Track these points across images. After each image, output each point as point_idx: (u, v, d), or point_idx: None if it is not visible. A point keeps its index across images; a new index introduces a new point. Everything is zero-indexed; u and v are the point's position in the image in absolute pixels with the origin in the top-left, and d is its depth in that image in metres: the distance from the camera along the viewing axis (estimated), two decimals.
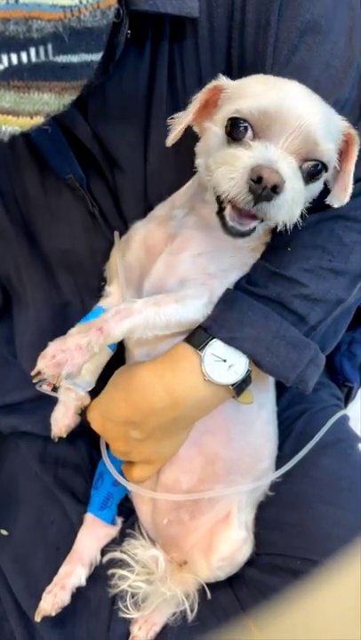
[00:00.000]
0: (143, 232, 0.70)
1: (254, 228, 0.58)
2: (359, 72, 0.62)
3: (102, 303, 0.75)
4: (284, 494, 0.77)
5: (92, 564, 0.77)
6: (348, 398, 0.99)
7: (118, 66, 0.61)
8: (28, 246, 0.76)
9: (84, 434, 0.76)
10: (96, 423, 0.68)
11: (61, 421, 0.74)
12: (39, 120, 0.48)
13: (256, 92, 0.56)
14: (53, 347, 0.60)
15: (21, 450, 0.88)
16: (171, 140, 0.61)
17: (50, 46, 0.45)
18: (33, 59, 0.45)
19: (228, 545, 0.72)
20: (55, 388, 0.74)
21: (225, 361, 0.63)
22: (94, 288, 0.77)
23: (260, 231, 0.60)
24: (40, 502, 0.83)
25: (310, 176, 0.58)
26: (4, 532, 0.82)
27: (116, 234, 0.73)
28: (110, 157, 0.69)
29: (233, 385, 0.63)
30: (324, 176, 0.60)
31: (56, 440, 0.76)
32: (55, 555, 0.78)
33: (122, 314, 0.62)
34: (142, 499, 0.78)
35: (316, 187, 0.61)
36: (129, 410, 0.64)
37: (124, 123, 0.66)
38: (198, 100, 0.59)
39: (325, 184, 0.63)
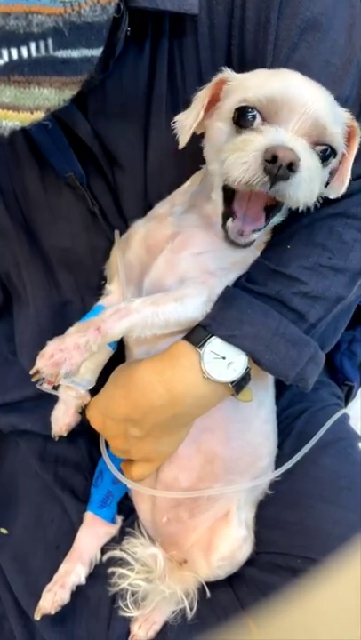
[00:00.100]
0: (144, 231, 0.70)
1: (253, 240, 0.59)
2: (359, 69, 0.62)
3: (103, 301, 0.75)
4: (284, 493, 0.77)
5: (91, 562, 0.77)
6: (348, 397, 0.99)
7: (118, 63, 0.61)
8: (28, 244, 0.76)
9: (84, 432, 0.76)
10: (95, 421, 0.68)
11: (62, 420, 0.75)
12: (40, 115, 0.48)
13: (260, 82, 0.56)
14: (52, 346, 0.60)
15: (21, 448, 0.88)
16: (183, 142, 0.60)
17: (50, 41, 0.45)
18: (33, 53, 0.45)
19: (228, 544, 0.72)
20: (56, 387, 0.74)
21: (224, 358, 0.62)
22: (94, 286, 0.77)
23: (261, 238, 0.60)
24: (40, 500, 0.83)
25: (320, 160, 0.57)
26: (4, 531, 0.82)
27: (117, 232, 0.73)
28: (110, 155, 0.69)
29: (232, 382, 0.63)
30: (333, 162, 0.59)
31: (56, 439, 0.76)
32: (55, 553, 0.78)
33: (120, 313, 0.61)
34: (142, 497, 0.78)
35: (325, 173, 0.60)
36: (128, 407, 0.64)
37: (124, 121, 0.66)
38: (206, 95, 0.59)
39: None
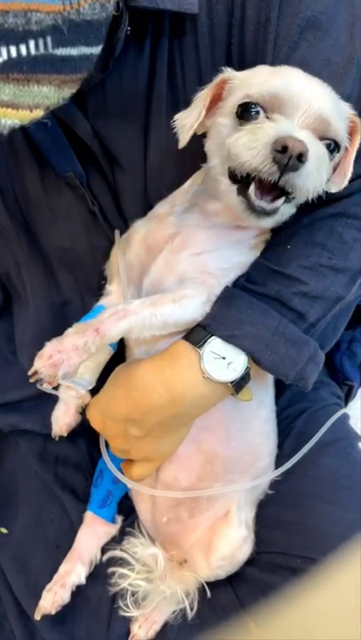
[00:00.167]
0: (144, 230, 0.70)
1: (278, 209, 0.57)
2: (360, 68, 0.62)
3: (102, 302, 0.75)
4: (284, 493, 0.77)
5: (91, 562, 0.77)
6: (348, 397, 0.99)
7: (118, 63, 0.61)
8: (28, 244, 0.76)
9: (84, 432, 0.76)
10: (95, 421, 0.68)
11: (62, 420, 0.75)
12: (39, 113, 0.48)
13: (263, 78, 0.56)
14: (50, 347, 0.60)
15: (21, 448, 0.88)
16: (183, 141, 0.60)
17: (49, 39, 0.45)
18: (32, 51, 0.45)
19: (228, 544, 0.72)
20: (56, 387, 0.74)
21: (224, 358, 0.62)
22: (94, 286, 0.77)
23: (286, 215, 0.59)
24: (40, 500, 0.83)
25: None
26: (4, 531, 0.82)
27: (117, 232, 0.73)
28: (110, 155, 0.69)
29: (232, 382, 0.63)
30: (336, 157, 0.59)
31: (57, 439, 0.76)
32: (55, 553, 0.78)
33: (118, 314, 0.61)
34: (142, 497, 0.78)
35: (330, 167, 0.60)
36: (128, 407, 0.64)
37: (123, 120, 0.66)
38: (207, 94, 0.59)
39: None
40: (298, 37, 0.60)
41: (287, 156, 0.51)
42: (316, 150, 0.54)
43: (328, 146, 0.57)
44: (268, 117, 0.55)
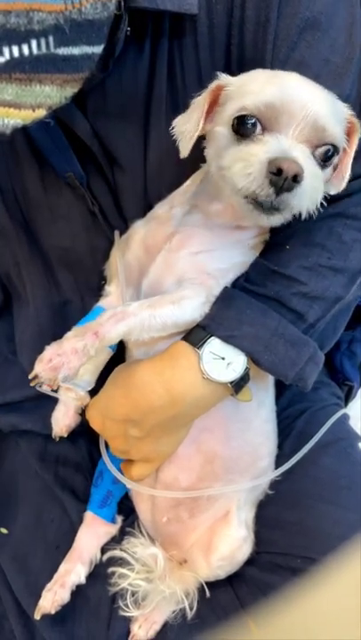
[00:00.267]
0: (143, 231, 0.70)
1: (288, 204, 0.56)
2: (359, 68, 0.62)
3: (102, 302, 0.75)
4: (284, 493, 0.77)
5: (91, 562, 0.77)
6: (348, 397, 0.99)
7: (118, 63, 0.61)
8: (28, 244, 0.76)
9: (84, 432, 0.76)
10: (95, 422, 0.68)
11: (62, 421, 0.75)
12: (41, 113, 0.48)
13: (258, 87, 0.56)
14: (50, 350, 0.60)
15: (21, 448, 0.88)
16: (185, 151, 0.60)
17: (51, 38, 0.45)
18: (34, 51, 0.45)
19: (228, 544, 0.72)
20: (55, 388, 0.74)
21: (223, 359, 0.62)
22: (94, 286, 0.77)
23: (295, 210, 0.58)
24: (40, 500, 0.83)
25: (323, 161, 0.57)
26: (4, 531, 0.82)
27: (117, 233, 0.73)
28: (110, 155, 0.69)
29: (231, 383, 0.63)
30: (335, 159, 0.59)
31: (57, 440, 0.76)
32: (55, 553, 0.78)
33: (117, 317, 0.61)
34: (142, 497, 0.78)
35: (329, 171, 0.60)
36: (128, 408, 0.64)
37: (123, 121, 0.66)
38: (204, 101, 0.59)
39: None
40: (297, 38, 0.60)
41: (282, 178, 0.52)
42: (311, 168, 0.54)
43: (327, 151, 0.57)
44: (264, 129, 0.55)
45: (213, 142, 0.60)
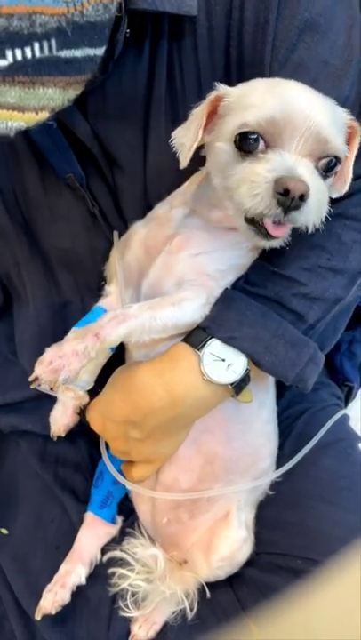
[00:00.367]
0: (144, 232, 0.70)
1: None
2: (359, 70, 0.62)
3: (102, 303, 0.74)
4: (284, 494, 0.77)
5: (92, 562, 0.77)
6: (348, 398, 0.99)
7: (117, 65, 0.61)
8: (28, 244, 0.76)
9: (84, 433, 0.76)
10: (96, 423, 0.68)
11: (60, 421, 0.74)
12: (44, 115, 0.48)
13: (258, 100, 0.55)
14: (50, 352, 0.60)
15: (21, 448, 0.89)
16: (184, 162, 0.60)
17: (53, 41, 0.45)
18: (37, 54, 0.45)
19: (228, 545, 0.72)
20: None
21: (224, 360, 0.62)
22: (94, 287, 0.77)
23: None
24: (40, 501, 0.83)
25: (326, 171, 0.57)
26: (4, 531, 0.82)
27: (116, 234, 0.73)
28: (110, 157, 0.69)
29: (232, 384, 0.63)
30: (338, 168, 0.59)
31: (55, 439, 0.76)
32: (55, 553, 0.78)
33: (118, 319, 0.61)
34: (142, 498, 0.78)
35: (331, 180, 0.60)
36: (128, 409, 0.64)
37: (123, 122, 0.66)
38: (203, 113, 0.58)
39: None
40: (296, 39, 0.60)
41: (290, 198, 0.52)
42: (316, 184, 0.54)
43: (329, 162, 0.57)
44: (267, 145, 0.55)
45: (214, 157, 0.60)
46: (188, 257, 0.66)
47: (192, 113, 0.60)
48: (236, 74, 0.62)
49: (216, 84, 0.59)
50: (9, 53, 0.44)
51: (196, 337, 0.64)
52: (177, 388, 0.63)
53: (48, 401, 0.77)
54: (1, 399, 0.87)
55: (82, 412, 0.73)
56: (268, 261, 0.66)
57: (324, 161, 0.57)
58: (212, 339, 0.63)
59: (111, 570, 0.77)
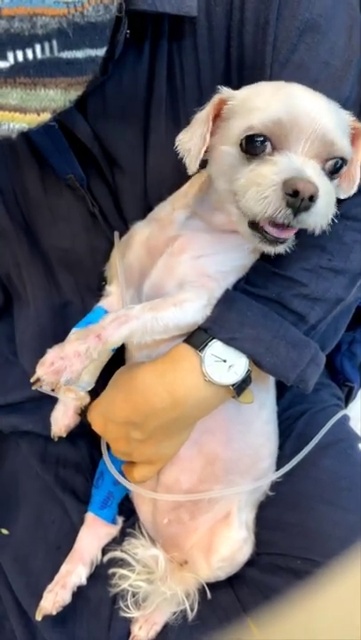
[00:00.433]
0: (146, 232, 0.70)
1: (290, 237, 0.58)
2: (359, 70, 0.62)
3: (103, 303, 0.74)
4: (284, 494, 0.77)
5: (92, 563, 0.77)
6: (348, 398, 0.99)
7: (117, 66, 0.61)
8: (29, 245, 0.76)
9: (84, 433, 0.76)
10: (97, 424, 0.68)
11: (61, 421, 0.75)
12: (46, 116, 0.49)
13: (263, 103, 0.55)
14: (52, 354, 0.60)
15: (22, 449, 0.88)
16: (192, 168, 0.59)
17: (55, 42, 0.45)
18: (38, 55, 0.45)
19: (229, 545, 0.73)
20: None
21: (225, 361, 0.62)
22: (94, 287, 0.77)
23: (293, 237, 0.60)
24: (41, 501, 0.83)
25: (332, 173, 0.57)
26: (5, 532, 0.82)
27: (116, 234, 0.73)
28: (110, 157, 0.69)
29: (233, 385, 0.63)
30: (343, 170, 0.59)
31: (56, 439, 0.76)
32: (56, 554, 0.78)
33: (120, 320, 0.61)
34: (143, 499, 0.78)
35: (337, 181, 0.60)
36: (130, 410, 0.64)
37: (123, 123, 0.66)
38: (208, 117, 0.58)
39: None
40: (297, 40, 0.60)
41: (299, 200, 0.52)
42: (325, 186, 0.54)
43: (335, 164, 0.57)
44: (273, 148, 0.55)
45: (219, 160, 0.59)
46: (189, 259, 0.66)
47: (195, 117, 0.59)
48: (237, 74, 0.62)
49: (219, 87, 0.59)
50: (10, 55, 0.44)
51: (197, 338, 0.64)
52: (178, 389, 0.63)
53: (49, 401, 0.77)
54: (2, 400, 0.87)
55: (83, 412, 0.73)
56: (269, 262, 0.66)
57: (330, 162, 0.56)
58: (214, 340, 0.63)
59: (112, 570, 0.77)
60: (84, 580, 0.75)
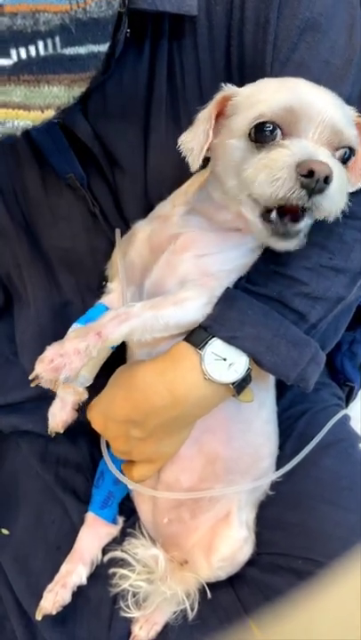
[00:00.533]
0: (148, 230, 0.70)
1: (302, 230, 0.58)
2: (360, 69, 0.62)
3: (104, 300, 0.74)
4: (285, 494, 0.77)
5: (93, 562, 0.77)
6: (349, 398, 0.99)
7: (118, 65, 0.61)
8: (29, 245, 0.76)
9: (85, 433, 0.76)
10: (97, 422, 0.68)
11: (59, 417, 0.74)
12: (50, 113, 0.49)
13: (270, 95, 0.55)
14: (51, 351, 0.60)
15: (22, 449, 0.88)
16: (195, 165, 0.59)
17: (57, 39, 0.45)
18: (41, 52, 0.45)
19: (229, 545, 0.72)
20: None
21: (225, 360, 0.62)
22: (95, 287, 0.77)
23: (306, 231, 0.59)
24: (41, 501, 0.83)
25: (341, 163, 0.57)
26: (5, 532, 0.82)
27: (118, 232, 0.73)
28: (111, 157, 0.69)
29: (233, 383, 0.63)
30: (351, 162, 0.59)
31: (53, 435, 0.75)
32: (56, 554, 0.78)
33: (120, 318, 0.61)
34: (143, 498, 0.78)
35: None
36: (130, 409, 0.64)
37: (123, 122, 0.66)
38: (211, 114, 0.58)
39: None
40: (297, 39, 0.60)
41: (314, 180, 0.51)
42: (338, 170, 0.54)
43: (344, 154, 0.57)
44: (284, 135, 0.55)
45: (226, 156, 0.59)
46: (191, 258, 0.66)
47: (198, 116, 0.59)
48: (237, 73, 0.62)
49: (223, 84, 0.59)
50: (13, 52, 0.44)
51: (197, 336, 0.63)
52: (178, 388, 0.62)
53: (49, 401, 0.77)
54: (2, 399, 0.87)
55: (81, 409, 0.73)
56: (269, 260, 0.66)
57: (339, 152, 0.56)
58: (214, 338, 0.63)
59: (112, 570, 0.77)
60: (84, 580, 0.75)
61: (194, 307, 0.63)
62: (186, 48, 0.62)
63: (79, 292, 0.80)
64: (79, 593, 0.75)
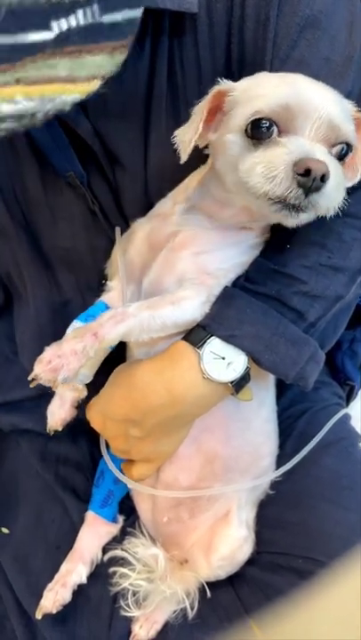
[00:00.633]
0: (147, 227, 0.70)
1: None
2: (360, 66, 0.62)
3: (104, 297, 0.74)
4: (285, 493, 0.77)
5: (93, 561, 0.77)
6: (349, 397, 0.99)
7: None
8: (29, 243, 0.76)
9: (84, 432, 0.76)
10: (96, 422, 0.68)
11: (57, 415, 0.74)
12: (96, 84, 0.47)
13: (268, 90, 0.55)
14: (49, 352, 0.60)
15: (22, 448, 0.89)
16: (184, 157, 0.59)
17: (95, 6, 0.44)
18: (81, 21, 0.44)
19: (229, 544, 0.72)
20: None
21: (224, 358, 0.62)
22: (95, 286, 0.77)
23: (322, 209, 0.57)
24: (41, 500, 0.83)
25: (338, 159, 0.57)
26: (5, 531, 0.82)
27: (118, 230, 0.73)
28: (111, 154, 0.69)
29: (232, 382, 0.63)
30: (348, 157, 0.59)
31: (52, 434, 0.75)
32: (56, 553, 0.78)
33: (117, 318, 0.61)
34: (142, 497, 0.78)
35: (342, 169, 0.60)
36: (129, 408, 0.64)
37: (124, 120, 0.66)
38: (204, 108, 0.58)
39: None
40: (297, 36, 0.60)
41: (311, 179, 0.51)
42: (335, 168, 0.54)
43: (341, 150, 0.57)
44: (280, 132, 0.54)
45: (224, 152, 0.59)
46: (190, 255, 0.65)
47: (194, 110, 0.59)
48: (237, 71, 0.62)
49: (219, 79, 0.58)
50: (54, 24, 0.43)
51: (196, 335, 0.63)
52: (177, 387, 0.62)
53: (49, 400, 0.77)
54: (2, 398, 0.87)
55: (80, 407, 0.73)
56: (268, 259, 0.66)
57: (337, 148, 0.56)
58: (213, 337, 0.62)
59: (112, 569, 0.77)
60: (84, 579, 0.75)
61: (192, 306, 0.63)
62: (186, 45, 0.62)
63: (79, 290, 0.80)
64: (79, 592, 0.75)
